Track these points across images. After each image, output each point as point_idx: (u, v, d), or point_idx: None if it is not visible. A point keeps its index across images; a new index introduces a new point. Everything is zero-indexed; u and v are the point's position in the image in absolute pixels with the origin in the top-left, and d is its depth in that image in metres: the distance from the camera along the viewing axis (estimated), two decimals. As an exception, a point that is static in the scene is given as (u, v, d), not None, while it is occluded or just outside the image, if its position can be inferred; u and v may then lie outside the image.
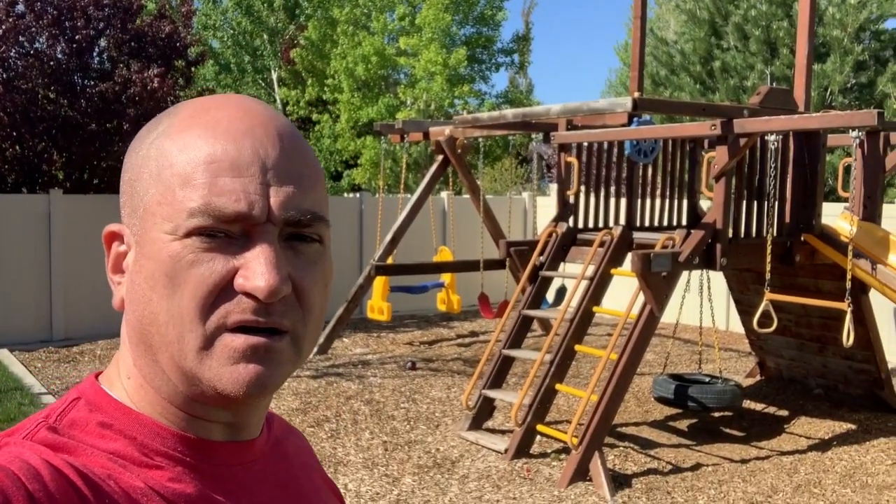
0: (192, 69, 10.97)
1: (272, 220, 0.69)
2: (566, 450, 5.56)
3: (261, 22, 20.58)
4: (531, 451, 5.68)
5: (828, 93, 11.00)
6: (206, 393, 0.71)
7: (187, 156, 0.70)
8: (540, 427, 5.65)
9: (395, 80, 20.21)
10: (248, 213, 0.68)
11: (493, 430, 6.16)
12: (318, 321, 0.75)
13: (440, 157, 9.11)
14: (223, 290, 0.69)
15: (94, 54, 10.18)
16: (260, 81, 21.75)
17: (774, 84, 10.25)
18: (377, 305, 9.00)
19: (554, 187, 18.38)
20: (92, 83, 9.84)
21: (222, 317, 0.69)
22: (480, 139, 9.15)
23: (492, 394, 6.13)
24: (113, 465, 0.68)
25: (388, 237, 8.98)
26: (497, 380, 6.24)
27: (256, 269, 0.68)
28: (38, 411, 0.73)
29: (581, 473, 5.17)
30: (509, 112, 6.45)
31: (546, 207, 12.26)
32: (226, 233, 0.69)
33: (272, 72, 21.10)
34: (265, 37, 20.74)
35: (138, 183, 0.73)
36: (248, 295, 0.68)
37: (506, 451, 5.62)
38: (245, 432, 0.77)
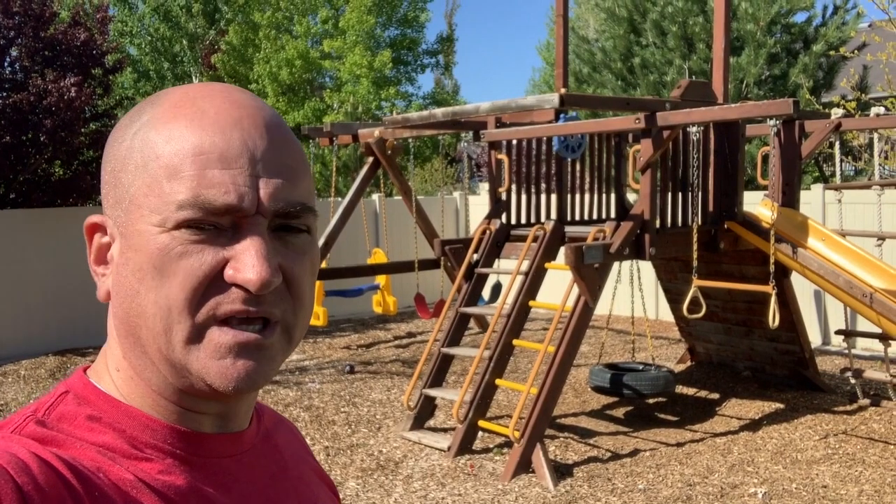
0: (111, 77, 10.66)
1: (262, 211, 0.69)
2: (508, 444, 5.62)
3: (179, 27, 20.16)
4: (474, 448, 5.72)
5: (744, 85, 11.39)
6: (196, 385, 0.70)
7: (174, 147, 0.69)
8: (482, 423, 5.70)
9: (320, 83, 20.06)
10: (238, 206, 0.68)
11: (435, 429, 6.18)
12: (308, 310, 0.75)
13: (370, 160, 9.09)
14: (213, 282, 0.68)
15: (6, 64, 9.80)
16: (181, 88, 21.29)
17: (693, 78, 10.54)
18: (312, 310, 8.92)
19: (484, 186, 18.51)
20: (4, 94, 9.47)
21: (212, 308, 0.68)
22: (410, 140, 9.16)
23: (433, 392, 6.15)
24: (102, 457, 0.68)
25: (321, 241, 8.90)
26: (437, 378, 6.26)
27: (247, 262, 0.68)
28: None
29: (524, 466, 5.23)
30: (439, 111, 6.48)
31: (478, 206, 12.34)
32: (215, 225, 0.69)
33: (193, 78, 20.67)
34: (185, 42, 20.32)
35: (122, 174, 0.71)
36: (238, 286, 0.68)
37: (449, 448, 5.65)
38: (234, 423, 0.77)
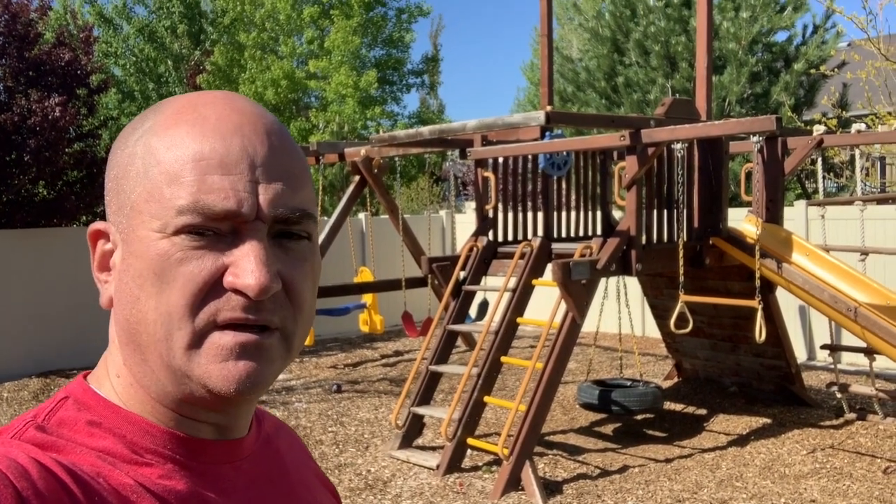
0: (95, 97, 10.64)
1: (261, 217, 0.70)
2: (497, 461, 5.60)
3: (164, 48, 20.16)
4: (463, 466, 5.69)
5: (726, 103, 11.51)
6: (196, 392, 0.70)
7: (175, 153, 0.70)
8: (470, 440, 5.68)
9: (306, 103, 20.10)
10: (238, 211, 0.68)
11: (423, 448, 6.15)
12: (309, 318, 0.75)
13: (357, 178, 9.10)
14: (212, 288, 0.69)
15: (-10, 84, 9.77)
16: (166, 109, 21.27)
17: (676, 96, 10.65)
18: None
19: (470, 205, 18.55)
20: (-12, 114, 9.42)
21: (212, 314, 0.69)
22: (396, 159, 9.19)
23: (421, 410, 6.12)
24: (102, 463, 0.68)
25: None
26: (425, 396, 6.24)
27: (246, 267, 0.68)
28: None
29: (513, 483, 5.21)
30: (426, 129, 6.51)
31: (464, 224, 12.36)
32: (215, 230, 0.69)
33: (179, 99, 20.63)
34: (169, 63, 20.32)
35: (124, 180, 0.72)
36: (237, 292, 0.69)
37: (437, 466, 5.62)
38: (233, 431, 0.77)
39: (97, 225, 0.75)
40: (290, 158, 0.73)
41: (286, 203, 0.71)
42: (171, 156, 0.69)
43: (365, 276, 9.69)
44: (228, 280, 0.68)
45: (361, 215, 11.51)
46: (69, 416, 0.70)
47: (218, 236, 0.69)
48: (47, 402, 0.73)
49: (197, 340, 0.69)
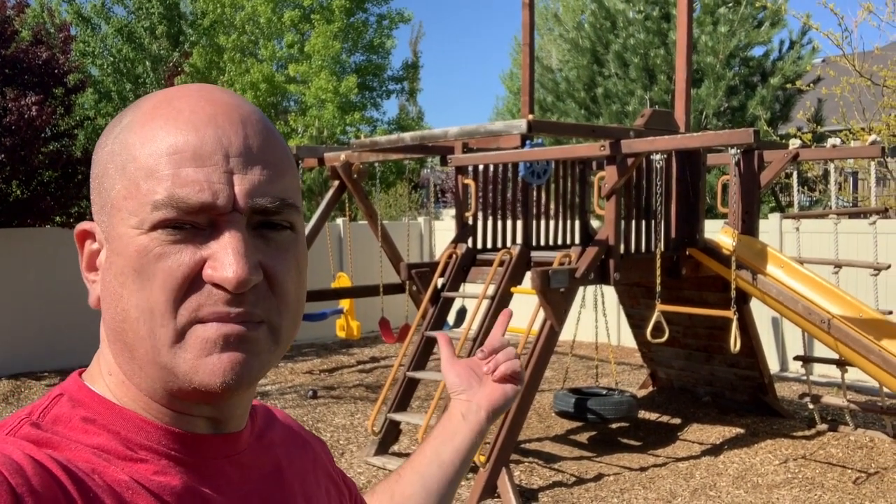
0: (72, 97, 10.53)
1: (238, 208, 0.69)
2: (473, 469, 5.60)
3: (143, 49, 20.01)
4: (439, 472, 5.67)
5: (703, 116, 11.64)
6: (184, 388, 0.70)
7: (150, 148, 0.69)
8: (447, 447, 5.66)
9: (285, 107, 20.04)
10: (213, 203, 0.68)
11: (399, 454, 6.13)
12: (295, 310, 0.74)
13: (336, 183, 9.07)
14: (193, 283, 0.68)
15: (-36, 82, 9.63)
16: (143, 110, 21.10)
17: (656, 107, 10.75)
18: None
19: (448, 212, 18.56)
20: (-38, 112, 9.29)
21: (194, 310, 0.68)
22: (376, 164, 9.18)
23: (398, 417, 6.11)
24: (97, 459, 0.67)
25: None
26: (402, 403, 6.22)
27: (224, 260, 0.67)
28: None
29: (489, 491, 5.21)
30: (407, 135, 6.51)
31: (442, 231, 12.37)
32: (192, 224, 0.68)
33: (156, 100, 20.48)
34: (147, 64, 20.17)
35: (105, 179, 0.72)
36: (217, 286, 0.68)
37: (413, 473, 5.60)
38: (229, 425, 0.77)
39: (84, 225, 0.75)
40: (268, 147, 0.72)
41: (264, 193, 0.69)
42: (145, 151, 0.69)
43: (342, 281, 9.66)
44: (207, 273, 0.68)
45: (340, 220, 11.48)
46: (64, 413, 0.70)
47: (196, 230, 0.68)
48: (42, 399, 0.73)
49: (180, 336, 0.68)
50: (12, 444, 0.65)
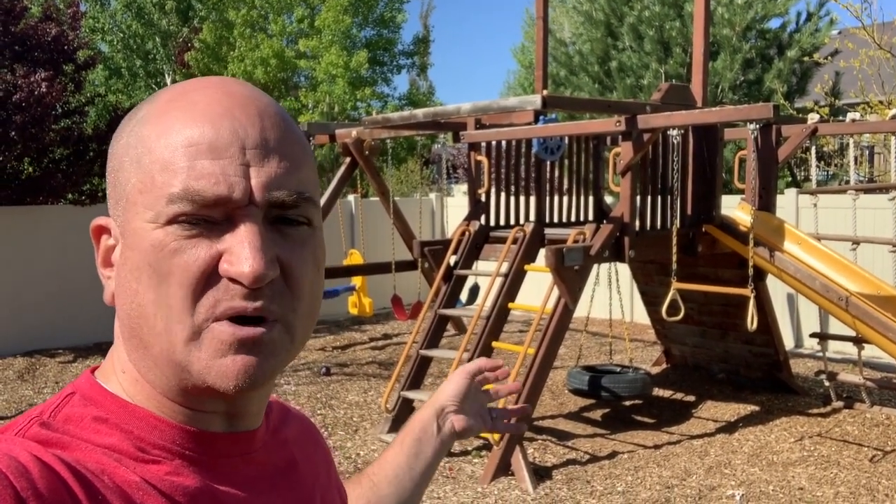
0: (82, 73, 10.48)
1: (254, 202, 0.67)
2: (487, 446, 5.60)
3: (152, 25, 19.91)
4: (453, 451, 5.68)
5: (719, 89, 11.48)
6: (198, 385, 0.68)
7: (166, 141, 0.68)
8: (460, 425, 5.66)
9: (295, 83, 19.94)
10: (229, 196, 0.66)
11: (412, 431, 6.13)
12: (312, 305, 0.73)
13: (347, 160, 9.02)
14: (209, 278, 0.66)
15: (-26, 59, 9.59)
16: (153, 86, 21.04)
17: (671, 81, 10.61)
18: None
19: (459, 188, 18.47)
20: (-28, 89, 9.26)
21: (211, 306, 0.66)
22: (388, 140, 9.11)
23: (411, 395, 6.10)
24: (108, 459, 0.66)
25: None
26: (415, 380, 6.22)
27: (240, 254, 0.66)
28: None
29: (503, 468, 5.21)
30: (420, 112, 6.45)
31: (455, 208, 12.31)
32: (208, 218, 0.66)
33: (166, 76, 20.44)
34: (157, 40, 20.08)
35: (120, 173, 0.70)
36: (234, 281, 0.66)
37: (427, 451, 5.60)
38: (245, 422, 0.75)
39: (99, 220, 0.74)
40: (286, 140, 0.70)
41: (281, 186, 0.68)
42: (161, 143, 0.68)
43: (354, 258, 9.64)
44: (223, 268, 0.66)
45: (351, 197, 11.44)
46: (75, 413, 0.69)
47: (212, 224, 0.67)
48: (54, 397, 0.72)
49: (196, 333, 0.67)
50: (19, 446, 0.63)
